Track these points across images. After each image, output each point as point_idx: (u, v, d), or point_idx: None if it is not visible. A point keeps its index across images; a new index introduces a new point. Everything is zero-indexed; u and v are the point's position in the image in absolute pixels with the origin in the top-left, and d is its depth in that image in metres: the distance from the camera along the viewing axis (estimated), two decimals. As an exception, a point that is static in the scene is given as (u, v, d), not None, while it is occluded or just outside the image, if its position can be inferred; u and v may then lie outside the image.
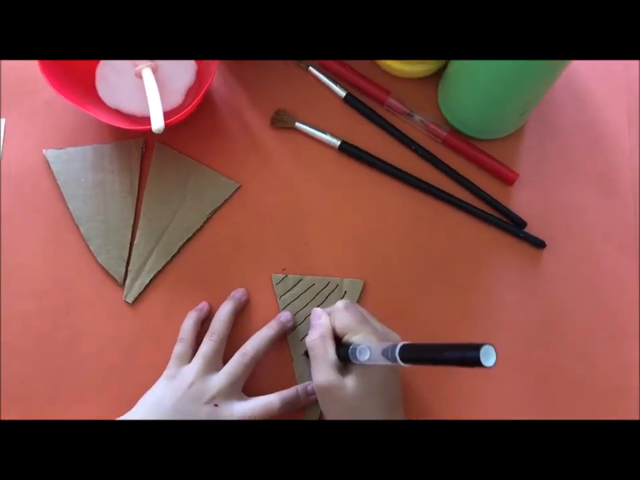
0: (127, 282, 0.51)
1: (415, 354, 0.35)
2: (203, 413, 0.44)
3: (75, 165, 0.53)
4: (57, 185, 0.53)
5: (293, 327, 0.51)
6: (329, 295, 0.51)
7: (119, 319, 0.51)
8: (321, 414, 0.49)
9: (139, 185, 0.53)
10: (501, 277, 0.53)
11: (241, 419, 0.45)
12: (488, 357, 0.29)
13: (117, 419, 0.45)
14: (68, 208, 0.52)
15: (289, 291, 0.52)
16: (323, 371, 0.42)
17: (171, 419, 0.43)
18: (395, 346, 0.36)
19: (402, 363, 0.35)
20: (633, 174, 0.55)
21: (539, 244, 0.53)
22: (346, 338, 0.43)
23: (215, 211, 0.53)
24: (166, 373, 0.47)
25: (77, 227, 0.52)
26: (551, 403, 0.50)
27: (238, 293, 0.51)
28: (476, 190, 0.54)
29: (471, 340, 0.50)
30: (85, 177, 0.53)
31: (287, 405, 0.47)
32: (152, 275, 0.51)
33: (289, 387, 0.48)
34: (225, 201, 0.53)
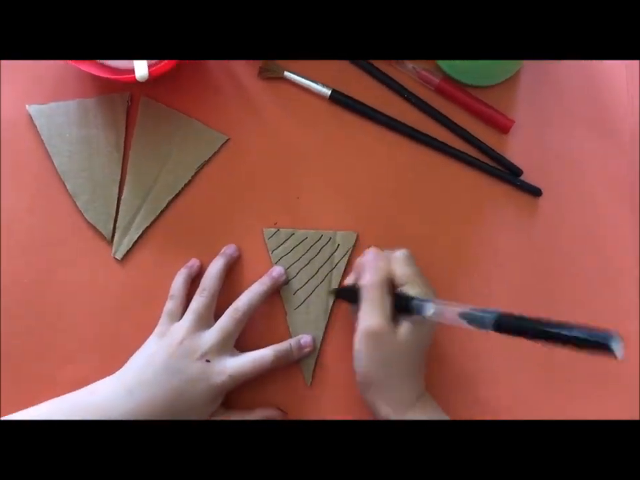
0: (116, 238, 0.50)
1: (521, 323, 0.33)
2: (194, 369, 0.44)
3: (59, 120, 0.52)
4: (41, 140, 0.51)
5: (286, 281, 0.50)
6: (322, 248, 0.51)
7: (108, 276, 0.50)
8: (316, 365, 0.49)
9: (125, 139, 0.52)
10: (497, 226, 0.52)
11: (233, 374, 0.44)
12: (618, 346, 0.27)
13: (107, 377, 0.45)
14: (53, 164, 0.51)
15: (281, 245, 0.51)
16: (376, 315, 0.41)
17: (162, 375, 0.43)
18: (487, 310, 0.35)
19: (492, 330, 0.34)
20: (630, 118, 0.53)
21: (535, 192, 0.52)
22: (404, 289, 0.43)
23: (203, 165, 0.52)
24: (156, 330, 0.46)
25: (63, 183, 0.51)
26: (548, 352, 0.50)
27: (229, 249, 0.50)
28: (470, 138, 0.52)
29: (467, 293, 0.50)
30: (70, 132, 0.52)
31: (280, 359, 0.46)
32: (141, 231, 0.50)
33: (282, 341, 0.48)
34: (214, 154, 0.52)
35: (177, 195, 0.51)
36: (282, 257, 0.50)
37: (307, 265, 0.50)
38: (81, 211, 0.50)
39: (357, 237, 0.51)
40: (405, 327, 0.41)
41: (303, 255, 0.51)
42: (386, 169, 0.52)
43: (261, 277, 0.49)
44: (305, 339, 0.48)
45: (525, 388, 0.49)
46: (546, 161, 0.53)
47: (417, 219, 0.52)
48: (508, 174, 0.52)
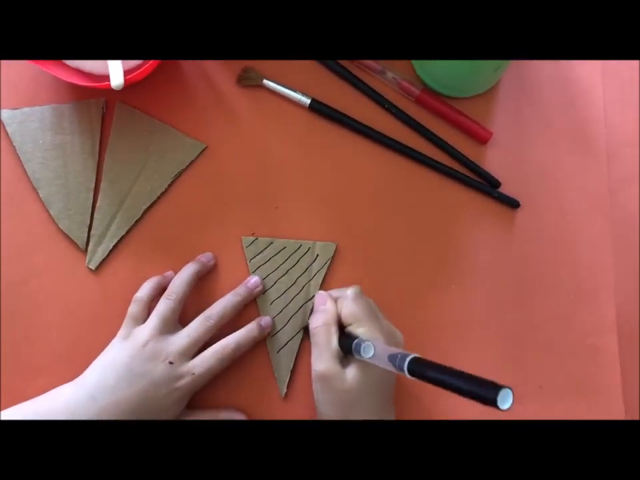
0: (90, 248, 0.49)
1: (426, 371, 0.34)
2: (158, 372, 0.43)
3: (32, 126, 0.51)
4: (13, 147, 0.50)
5: (263, 291, 0.49)
6: (301, 258, 0.50)
7: (82, 286, 0.49)
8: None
9: (100, 146, 0.51)
10: (475, 237, 0.52)
11: (197, 372, 0.44)
12: (505, 399, 0.28)
13: (67, 383, 0.44)
14: (25, 171, 0.50)
15: (259, 253, 0.50)
16: (324, 359, 0.41)
17: (125, 379, 0.42)
18: (406, 356, 0.35)
19: (408, 375, 0.35)
20: (607, 132, 0.54)
21: (512, 204, 0.52)
22: (350, 328, 0.42)
23: (180, 173, 0.51)
24: (119, 333, 0.45)
25: (36, 190, 0.50)
26: (524, 365, 0.50)
27: (204, 257, 0.49)
28: (449, 149, 0.52)
29: (445, 305, 0.51)
30: (43, 138, 0.50)
31: (242, 345, 0.46)
32: (115, 240, 0.50)
33: (258, 351, 0.48)
34: (191, 162, 0.51)
35: (153, 204, 0.50)
36: (260, 265, 0.50)
37: (284, 274, 0.50)
38: (54, 220, 0.49)
39: (336, 247, 0.51)
40: (352, 369, 0.41)
41: (281, 264, 0.50)
42: (365, 179, 0.52)
43: (237, 286, 0.49)
44: (265, 320, 0.48)
45: (498, 350, 0.50)
46: (524, 172, 0.53)
47: (396, 229, 0.52)
48: (486, 185, 0.52)
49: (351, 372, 0.41)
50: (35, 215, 0.50)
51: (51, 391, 0.44)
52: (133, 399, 0.42)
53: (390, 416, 0.44)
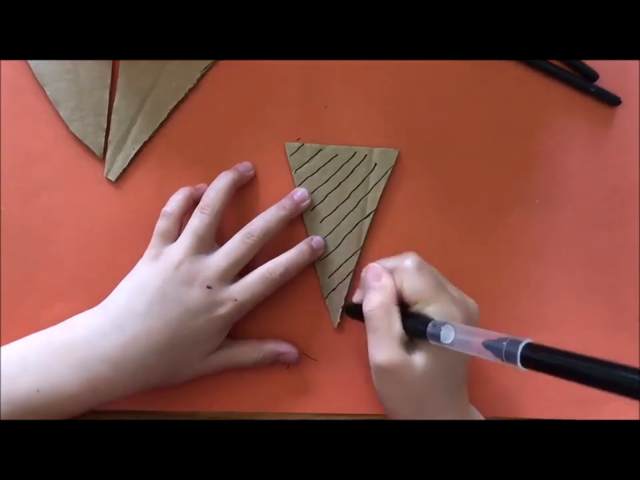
0: (108, 155, 0.44)
1: (550, 360, 0.26)
2: (194, 297, 0.38)
3: (33, 10, 0.43)
4: (13, 35, 0.43)
5: (311, 206, 0.44)
6: (355, 167, 0.44)
7: (101, 200, 0.44)
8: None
9: (115, 33, 0.44)
10: (565, 142, 0.46)
11: (240, 298, 0.39)
12: None
13: (89, 310, 0.39)
14: (28, 64, 0.43)
15: (306, 162, 0.44)
16: (385, 347, 0.35)
17: (157, 305, 0.38)
18: (516, 342, 0.28)
19: (520, 366, 0.27)
20: None
21: (612, 101, 0.46)
22: (417, 307, 0.36)
23: (211, 65, 0.44)
24: (147, 253, 0.40)
25: (42, 87, 0.43)
26: (619, 295, 0.45)
27: (242, 166, 0.44)
28: (536, 33, 0.45)
29: (526, 223, 0.44)
30: (47, 24, 0.43)
31: (290, 269, 0.41)
32: (138, 147, 0.44)
33: (307, 276, 0.44)
34: (224, 52, 0.44)
35: (180, 103, 0.44)
36: (307, 177, 0.44)
37: (336, 187, 0.44)
38: (65, 122, 0.43)
39: (398, 155, 0.44)
40: (422, 355, 0.35)
41: (332, 175, 0.44)
42: (431, 72, 0.45)
43: (280, 200, 0.43)
44: (316, 240, 0.43)
45: (588, 274, 0.45)
46: (626, 63, 0.47)
47: (469, 133, 0.45)
48: (580, 79, 0.46)
49: (421, 359, 0.35)
50: (42, 116, 0.43)
51: (69, 319, 0.39)
52: (166, 328, 0.37)
53: (464, 398, 0.38)
